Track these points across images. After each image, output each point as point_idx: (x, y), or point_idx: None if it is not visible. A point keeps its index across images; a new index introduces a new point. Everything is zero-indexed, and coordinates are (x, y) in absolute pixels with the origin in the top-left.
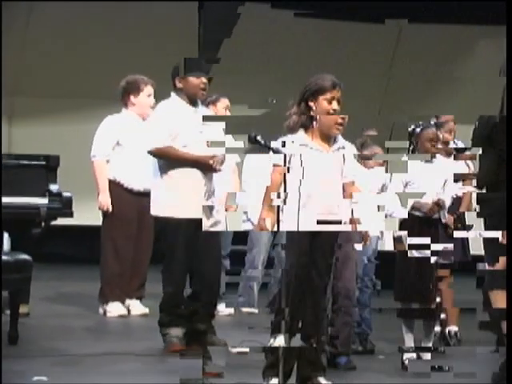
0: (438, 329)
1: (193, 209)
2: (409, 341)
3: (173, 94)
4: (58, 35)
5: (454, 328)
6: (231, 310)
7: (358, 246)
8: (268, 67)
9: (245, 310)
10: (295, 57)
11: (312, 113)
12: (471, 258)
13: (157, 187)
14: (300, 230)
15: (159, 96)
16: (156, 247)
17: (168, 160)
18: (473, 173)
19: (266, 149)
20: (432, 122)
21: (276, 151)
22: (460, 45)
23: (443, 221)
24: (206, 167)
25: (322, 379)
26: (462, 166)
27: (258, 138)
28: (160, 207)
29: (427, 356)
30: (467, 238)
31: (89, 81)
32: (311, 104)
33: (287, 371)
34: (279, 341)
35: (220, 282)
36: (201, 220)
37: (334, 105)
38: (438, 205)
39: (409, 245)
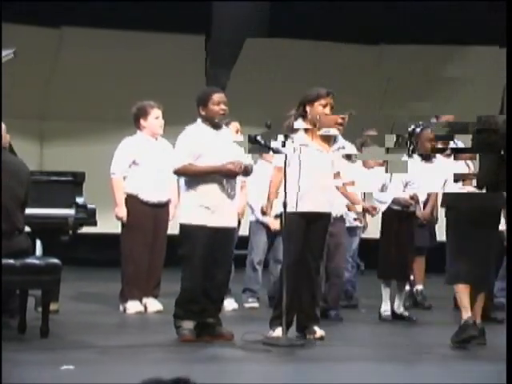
0: (408, 288)
1: (212, 217)
2: (386, 296)
3: (198, 119)
4: (83, 66)
5: (420, 287)
6: (235, 306)
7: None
8: (269, 86)
9: (247, 305)
10: (290, 76)
11: (308, 115)
12: (437, 243)
13: (183, 199)
14: (298, 211)
15: (174, 116)
16: (177, 250)
17: (190, 176)
18: (473, 173)
19: (265, 148)
20: (432, 121)
21: (276, 151)
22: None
23: (417, 213)
24: (228, 173)
25: (316, 328)
26: (462, 166)
27: (258, 138)
28: (184, 215)
29: (400, 308)
30: (434, 228)
31: (110, 107)
32: (308, 108)
33: (289, 321)
34: (277, 332)
35: (228, 283)
36: (217, 227)
37: (327, 110)
38: (413, 199)
39: (390, 231)
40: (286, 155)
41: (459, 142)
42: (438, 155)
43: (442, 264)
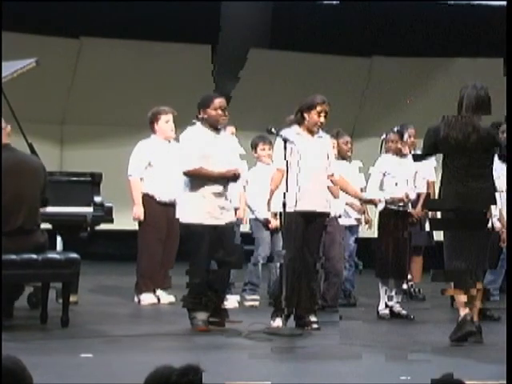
0: (405, 286)
1: (212, 216)
2: (383, 294)
3: (198, 122)
4: (101, 73)
5: (417, 285)
6: (236, 304)
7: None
8: (271, 94)
9: (248, 303)
10: (289, 85)
11: (306, 122)
12: (434, 243)
13: (184, 199)
14: (297, 210)
15: (184, 121)
16: (182, 247)
17: (199, 178)
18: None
19: (277, 136)
20: (395, 129)
21: (284, 138)
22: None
23: (408, 211)
24: (230, 177)
25: (313, 319)
26: (429, 162)
27: (273, 129)
28: (187, 215)
29: (398, 307)
30: (420, 224)
31: (125, 112)
32: (305, 115)
33: (289, 313)
34: (278, 322)
35: (229, 275)
36: (218, 225)
37: (322, 118)
38: (407, 197)
39: (387, 231)
40: (285, 158)
41: (418, 150)
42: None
43: (440, 263)
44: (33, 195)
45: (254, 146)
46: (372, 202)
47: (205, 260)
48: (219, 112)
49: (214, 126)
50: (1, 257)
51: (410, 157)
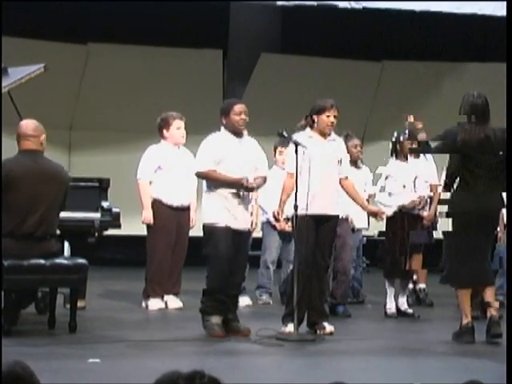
0: (411, 286)
1: (231, 218)
2: (390, 294)
3: (222, 128)
4: (109, 79)
5: (422, 285)
6: (249, 303)
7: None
8: (281, 99)
9: (261, 301)
10: (300, 89)
11: (315, 125)
12: (434, 241)
13: (204, 200)
14: (308, 213)
15: (193, 126)
16: (199, 251)
17: (210, 181)
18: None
19: (289, 140)
20: (406, 132)
21: (295, 142)
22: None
23: (421, 214)
24: (242, 187)
25: (326, 324)
26: (429, 165)
27: (284, 133)
28: (206, 216)
29: (404, 305)
30: (432, 226)
31: (133, 118)
32: (315, 119)
33: (300, 318)
34: (289, 328)
35: (244, 280)
36: (235, 229)
37: (331, 119)
38: (420, 203)
39: (394, 233)
40: (297, 162)
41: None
42: (409, 156)
43: (439, 261)
44: (50, 203)
45: (274, 149)
46: (376, 214)
47: (224, 263)
48: (241, 117)
49: (237, 131)
50: (1, 260)
51: (410, 160)
